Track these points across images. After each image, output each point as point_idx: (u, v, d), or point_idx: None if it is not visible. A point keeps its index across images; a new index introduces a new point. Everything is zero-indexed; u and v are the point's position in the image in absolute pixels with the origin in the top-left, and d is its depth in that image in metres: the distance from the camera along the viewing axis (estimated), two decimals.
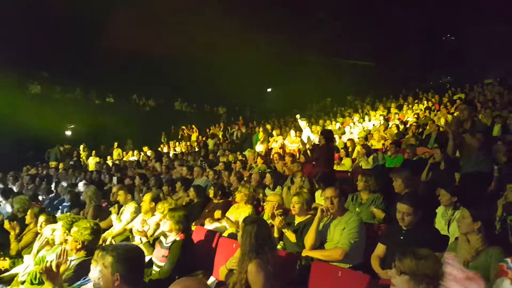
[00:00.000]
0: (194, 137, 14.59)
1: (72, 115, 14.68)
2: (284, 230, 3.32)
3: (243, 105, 20.56)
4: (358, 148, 7.70)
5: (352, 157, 7.66)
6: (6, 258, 4.18)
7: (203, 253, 3.67)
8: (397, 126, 9.82)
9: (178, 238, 3.47)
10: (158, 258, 3.47)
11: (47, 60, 14.86)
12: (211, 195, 5.44)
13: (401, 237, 2.87)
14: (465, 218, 2.47)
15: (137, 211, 4.95)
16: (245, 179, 6.60)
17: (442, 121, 9.03)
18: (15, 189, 8.50)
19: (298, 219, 3.49)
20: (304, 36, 15.62)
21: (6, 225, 4.60)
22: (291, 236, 3.29)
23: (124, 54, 15.35)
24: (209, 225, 4.33)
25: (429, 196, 3.97)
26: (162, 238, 3.67)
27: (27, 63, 13.78)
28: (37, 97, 14.61)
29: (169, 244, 3.51)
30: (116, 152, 13.08)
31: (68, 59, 15.15)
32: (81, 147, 13.41)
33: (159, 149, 13.72)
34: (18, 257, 4.20)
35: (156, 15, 14.23)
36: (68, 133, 15.20)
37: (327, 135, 5.66)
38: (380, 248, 3.01)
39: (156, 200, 4.62)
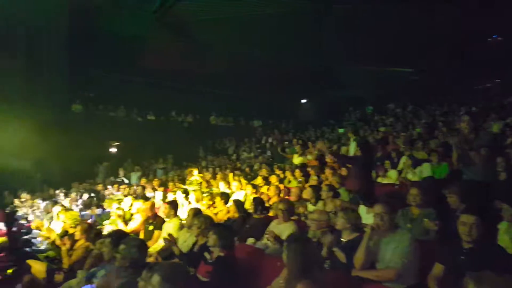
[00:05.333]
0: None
1: (116, 132, 15.36)
2: (334, 249, 3.18)
3: (278, 117, 20.53)
4: (403, 158, 7.36)
5: (398, 169, 7.32)
6: (60, 272, 4.35)
7: (246, 271, 3.59)
8: (444, 134, 9.28)
9: (222, 254, 3.45)
10: (201, 273, 3.46)
11: (91, 81, 15.81)
12: (251, 210, 5.39)
13: (462, 257, 2.65)
14: None
15: (181, 226, 4.99)
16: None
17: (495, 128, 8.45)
18: (65, 204, 8.92)
19: (345, 237, 3.33)
20: (339, 44, 15.34)
21: (58, 241, 4.79)
22: (340, 256, 3.14)
23: (162, 72, 15.97)
24: (252, 242, 4.27)
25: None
26: (206, 254, 3.65)
27: (72, 84, 14.73)
28: (81, 115, 15.39)
29: (213, 260, 3.49)
30: (159, 167, 13.48)
31: (111, 79, 16.03)
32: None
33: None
34: (70, 272, 4.36)
35: (192, 37, 14.65)
36: (113, 149, 15.86)
37: (364, 146, 5.43)
38: (438, 268, 2.78)
39: (198, 215, 4.64)
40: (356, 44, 14.80)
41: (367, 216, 4.06)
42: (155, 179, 10.80)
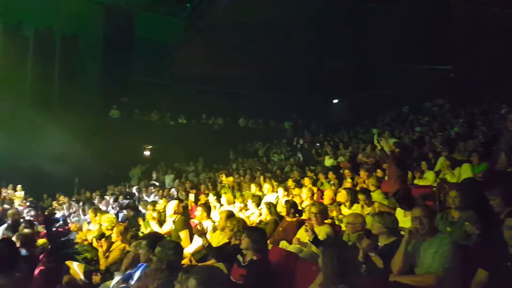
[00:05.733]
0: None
1: (149, 136, 15.79)
2: (371, 254, 3.10)
3: (309, 118, 20.28)
4: (441, 159, 7.06)
5: (435, 170, 7.04)
6: (97, 273, 4.51)
7: (280, 275, 3.57)
8: (484, 134, 8.85)
9: (255, 258, 3.44)
10: (235, 277, 3.46)
11: (126, 86, 16.41)
12: (283, 213, 5.35)
13: (509, 263, 2.50)
14: None
15: (214, 228, 5.03)
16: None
17: None
18: (101, 207, 9.24)
19: (382, 242, 3.24)
20: (372, 42, 14.99)
21: (94, 243, 4.97)
22: (378, 261, 3.05)
23: (193, 76, 16.29)
24: (285, 246, 4.23)
25: None
26: (239, 256, 3.66)
27: (108, 90, 15.34)
28: (117, 120, 15.94)
29: (246, 264, 3.49)
30: (190, 169, 13.72)
31: (144, 84, 16.54)
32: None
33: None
34: (107, 273, 4.50)
35: (221, 40, 14.87)
36: (147, 153, 16.32)
37: (401, 147, 5.25)
38: (482, 275, 2.65)
39: (231, 217, 4.65)
40: (390, 42, 14.45)
41: (404, 219, 3.93)
42: (187, 182, 10.98)
